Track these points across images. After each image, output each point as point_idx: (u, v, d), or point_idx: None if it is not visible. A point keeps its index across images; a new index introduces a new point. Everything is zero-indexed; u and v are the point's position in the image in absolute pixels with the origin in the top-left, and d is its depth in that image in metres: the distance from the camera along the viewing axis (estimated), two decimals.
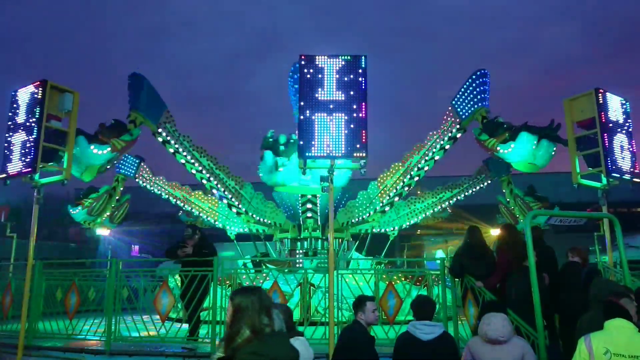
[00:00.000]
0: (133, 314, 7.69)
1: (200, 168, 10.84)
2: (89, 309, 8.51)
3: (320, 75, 6.38)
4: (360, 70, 6.39)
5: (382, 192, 11.60)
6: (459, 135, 10.28)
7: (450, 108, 10.37)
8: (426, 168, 10.78)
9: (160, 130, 10.17)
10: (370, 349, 4.00)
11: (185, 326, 7.24)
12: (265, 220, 12.28)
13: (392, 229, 13.18)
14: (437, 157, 10.57)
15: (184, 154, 10.61)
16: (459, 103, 10.25)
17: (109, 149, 8.94)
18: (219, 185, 11.15)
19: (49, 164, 7.19)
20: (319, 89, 6.34)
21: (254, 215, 11.97)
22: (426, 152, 10.70)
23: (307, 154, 6.18)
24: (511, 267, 5.88)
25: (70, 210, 11.45)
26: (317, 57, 6.47)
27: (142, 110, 9.67)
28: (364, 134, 6.20)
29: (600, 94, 7.71)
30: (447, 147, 10.45)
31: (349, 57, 6.46)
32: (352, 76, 6.37)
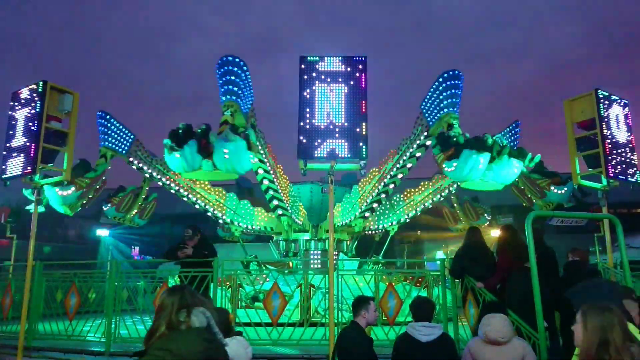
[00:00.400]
0: (133, 315, 7.69)
1: (177, 187, 11.42)
2: (89, 310, 8.50)
3: (319, 75, 6.41)
4: (360, 67, 6.46)
5: (362, 197, 11.31)
6: (428, 142, 9.45)
7: (420, 112, 9.64)
8: (400, 175, 10.35)
9: (131, 159, 10.87)
10: (369, 351, 4.00)
11: None
12: (254, 227, 12.29)
13: (390, 224, 12.66)
14: (409, 165, 10.10)
15: (159, 177, 11.26)
16: (426, 108, 9.44)
17: (73, 189, 9.57)
18: (198, 201, 11.63)
19: (49, 164, 7.19)
20: (319, 89, 6.37)
21: (241, 224, 12.05)
22: (398, 159, 10.24)
23: (307, 153, 6.19)
24: (512, 268, 5.88)
25: (103, 207, 12.27)
26: (316, 58, 6.48)
27: (111, 145, 10.48)
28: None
29: (600, 95, 7.71)
30: (417, 154, 9.86)
31: (351, 57, 6.50)
32: (351, 72, 6.44)
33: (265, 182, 10.44)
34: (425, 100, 9.45)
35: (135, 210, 12.37)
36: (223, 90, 8.68)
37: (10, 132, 7.28)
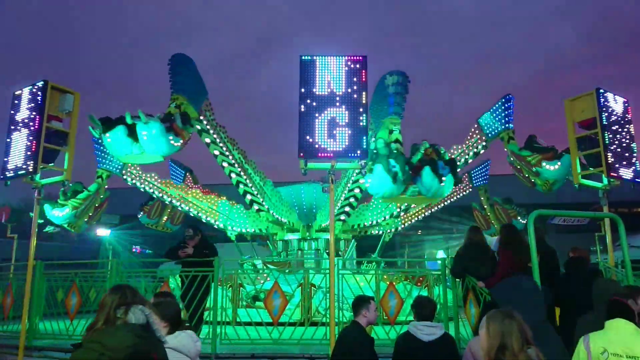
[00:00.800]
0: None
1: (169, 199, 12.21)
2: (90, 309, 8.51)
3: (320, 73, 6.43)
4: (359, 66, 6.48)
5: (335, 199, 11.28)
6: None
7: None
8: (362, 180, 9.83)
9: (125, 177, 11.81)
10: (370, 350, 4.01)
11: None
12: (248, 230, 12.42)
13: (382, 218, 12.20)
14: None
15: (151, 190, 12.03)
16: (373, 110, 8.83)
17: (68, 209, 10.80)
18: (191, 209, 12.16)
19: (50, 164, 7.21)
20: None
21: (235, 228, 12.26)
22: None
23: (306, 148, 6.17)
24: (513, 267, 5.87)
25: (138, 215, 13.30)
26: (316, 57, 6.50)
27: (107, 166, 11.40)
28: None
29: (601, 94, 7.71)
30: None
31: (351, 57, 6.52)
32: (352, 70, 6.46)
33: (233, 175, 10.55)
34: (372, 102, 8.77)
35: (166, 217, 13.21)
36: (172, 85, 8.96)
37: (11, 132, 7.29)
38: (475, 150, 10.64)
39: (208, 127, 9.93)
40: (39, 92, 7.12)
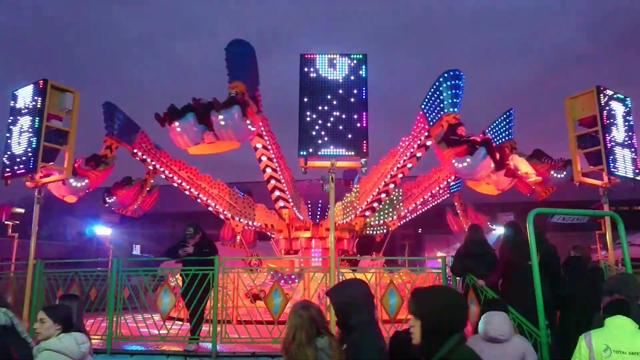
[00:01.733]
0: (134, 313, 7.70)
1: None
2: (90, 308, 8.51)
3: (320, 72, 6.43)
4: (360, 66, 6.50)
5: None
6: None
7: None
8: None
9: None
10: None
11: (186, 325, 7.24)
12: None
13: (350, 218, 12.04)
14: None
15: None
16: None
17: (115, 198, 11.46)
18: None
19: (50, 163, 7.20)
20: (319, 85, 6.41)
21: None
22: None
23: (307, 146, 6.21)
24: (513, 264, 5.87)
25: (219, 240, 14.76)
26: (317, 56, 6.50)
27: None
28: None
29: (601, 92, 7.70)
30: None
31: (351, 56, 6.52)
32: (352, 74, 6.45)
33: (187, 193, 11.89)
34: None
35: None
36: (105, 128, 10.12)
37: (11, 131, 7.29)
38: (418, 141, 9.12)
39: (145, 156, 10.97)
40: (39, 91, 7.12)
